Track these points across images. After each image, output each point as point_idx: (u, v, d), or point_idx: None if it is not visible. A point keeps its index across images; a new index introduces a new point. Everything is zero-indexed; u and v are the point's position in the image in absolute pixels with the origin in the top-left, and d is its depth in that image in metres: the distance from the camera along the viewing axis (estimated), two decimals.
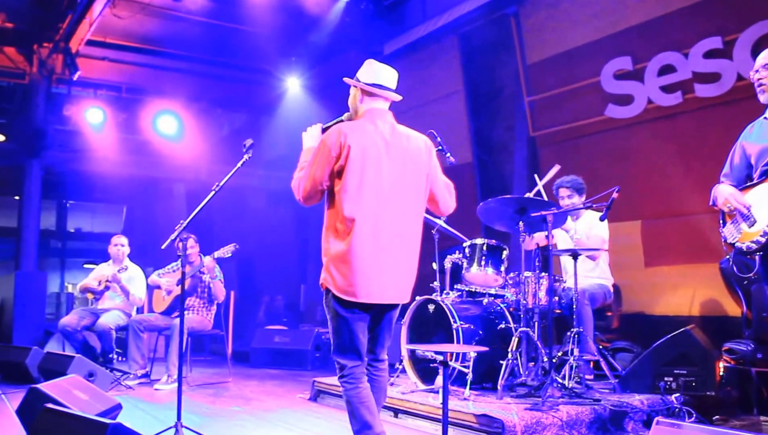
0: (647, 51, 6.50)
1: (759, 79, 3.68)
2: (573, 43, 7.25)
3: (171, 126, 10.74)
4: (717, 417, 4.64)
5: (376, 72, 3.45)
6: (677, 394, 4.63)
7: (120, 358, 7.33)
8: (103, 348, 6.70)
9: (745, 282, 5.27)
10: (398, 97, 3.46)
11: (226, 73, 10.68)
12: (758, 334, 5.09)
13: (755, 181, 3.65)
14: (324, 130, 3.50)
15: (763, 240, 3.46)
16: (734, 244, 3.69)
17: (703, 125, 6.15)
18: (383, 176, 3.25)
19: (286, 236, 12.33)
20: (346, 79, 3.51)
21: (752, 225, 3.56)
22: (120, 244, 7.14)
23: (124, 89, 10.82)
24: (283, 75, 10.62)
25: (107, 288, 7.05)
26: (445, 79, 8.88)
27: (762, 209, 3.53)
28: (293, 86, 10.75)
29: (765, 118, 3.77)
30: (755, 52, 5.62)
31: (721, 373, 4.98)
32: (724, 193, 3.74)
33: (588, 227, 5.48)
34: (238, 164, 4.45)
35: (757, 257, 3.59)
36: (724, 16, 5.92)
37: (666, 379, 4.86)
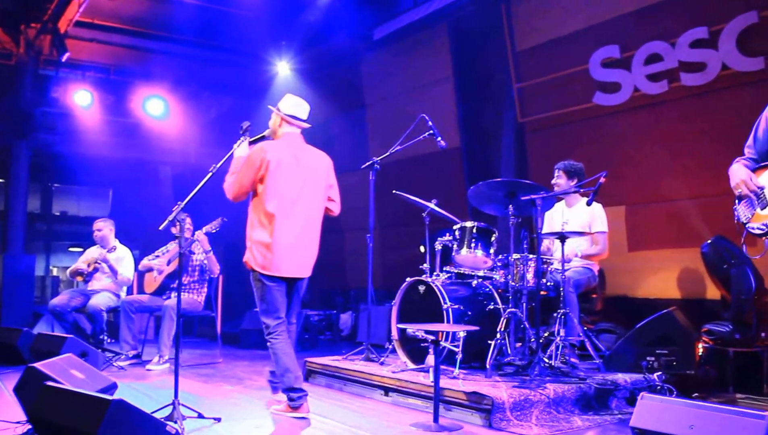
0: (635, 40, 6.59)
1: None
2: (562, 30, 7.33)
3: (159, 109, 10.72)
4: (696, 394, 4.78)
5: (295, 106, 4.50)
6: (659, 373, 4.77)
7: (109, 340, 7.37)
8: (94, 329, 6.73)
9: (725, 266, 5.45)
10: (309, 126, 4.55)
11: (215, 57, 10.63)
12: (737, 316, 5.26)
13: None
14: (251, 143, 4.52)
15: None
16: (746, 224, 3.59)
17: (688, 113, 6.27)
18: (294, 183, 4.33)
19: None
20: (270, 107, 4.57)
21: (764, 207, 3.48)
22: (98, 230, 7.19)
23: (112, 71, 10.74)
24: (273, 59, 10.60)
25: (96, 270, 7.09)
26: (434, 64, 8.93)
27: None
28: (283, 70, 10.74)
29: None
30: (739, 43, 5.77)
31: (701, 353, 5.15)
32: (738, 175, 3.62)
33: (590, 217, 5.63)
34: (235, 146, 4.54)
35: (765, 240, 3.51)
36: (710, 7, 6.02)
37: (648, 358, 5.00)
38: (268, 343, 4.30)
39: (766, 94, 5.58)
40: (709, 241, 5.61)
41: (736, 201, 3.68)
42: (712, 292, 5.91)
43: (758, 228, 3.47)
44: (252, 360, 7.17)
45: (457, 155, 8.60)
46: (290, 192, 4.31)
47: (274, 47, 10.43)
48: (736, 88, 5.89)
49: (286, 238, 4.26)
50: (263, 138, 4.56)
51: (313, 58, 10.42)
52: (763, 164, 3.59)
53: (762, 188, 3.50)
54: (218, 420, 4.10)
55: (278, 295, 4.32)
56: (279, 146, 4.38)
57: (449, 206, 5.86)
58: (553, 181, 5.73)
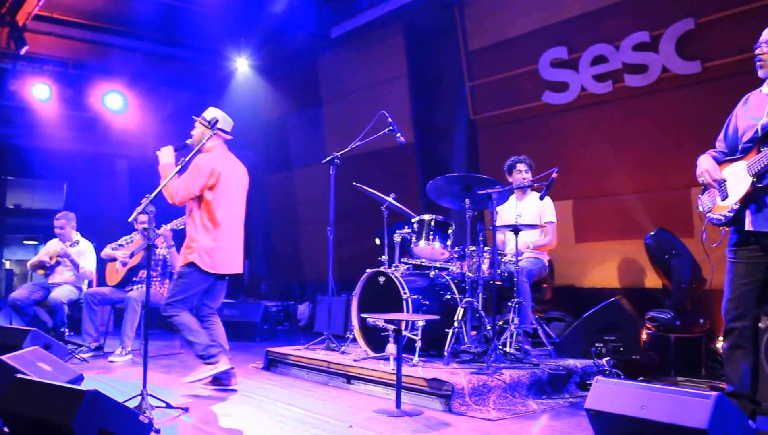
0: (582, 42, 6.87)
1: (760, 54, 3.56)
2: (513, 32, 7.56)
3: (117, 103, 10.63)
4: (641, 378, 5.06)
5: (223, 120, 4.91)
6: (607, 358, 5.02)
7: (69, 332, 7.36)
8: (54, 322, 6.73)
9: (666, 256, 5.79)
10: (232, 137, 5.04)
11: (174, 53, 10.56)
12: (677, 304, 5.60)
13: (736, 157, 3.66)
14: (176, 150, 4.87)
15: (730, 216, 3.56)
16: (707, 213, 3.74)
17: (631, 112, 6.58)
18: (234, 192, 4.91)
19: None
20: (195, 118, 4.96)
21: (724, 199, 3.63)
22: (59, 227, 7.18)
23: (71, 65, 10.58)
24: (232, 55, 10.61)
25: (58, 263, 7.08)
26: (389, 63, 9.09)
27: (735, 185, 3.57)
28: (242, 66, 10.76)
29: (760, 91, 3.64)
30: (678, 47, 6.11)
31: (645, 339, 5.47)
32: (703, 165, 3.73)
33: (540, 210, 5.88)
34: (203, 141, 4.71)
35: (722, 230, 3.67)
36: (652, 12, 6.32)
37: (597, 344, 5.26)
38: (173, 319, 4.73)
39: (703, 95, 5.95)
40: (651, 233, 5.94)
41: (702, 191, 3.81)
42: (653, 281, 6.23)
43: (717, 218, 3.65)
44: None
45: (411, 151, 8.79)
46: (232, 200, 4.91)
47: (233, 44, 10.43)
48: (675, 89, 6.23)
49: (228, 240, 4.84)
50: (185, 146, 4.91)
51: (271, 55, 10.48)
52: (729, 158, 3.70)
53: (724, 181, 3.64)
54: (186, 410, 4.15)
55: (202, 289, 4.87)
56: (221, 158, 4.88)
57: (403, 200, 5.99)
58: (520, 177, 5.93)
